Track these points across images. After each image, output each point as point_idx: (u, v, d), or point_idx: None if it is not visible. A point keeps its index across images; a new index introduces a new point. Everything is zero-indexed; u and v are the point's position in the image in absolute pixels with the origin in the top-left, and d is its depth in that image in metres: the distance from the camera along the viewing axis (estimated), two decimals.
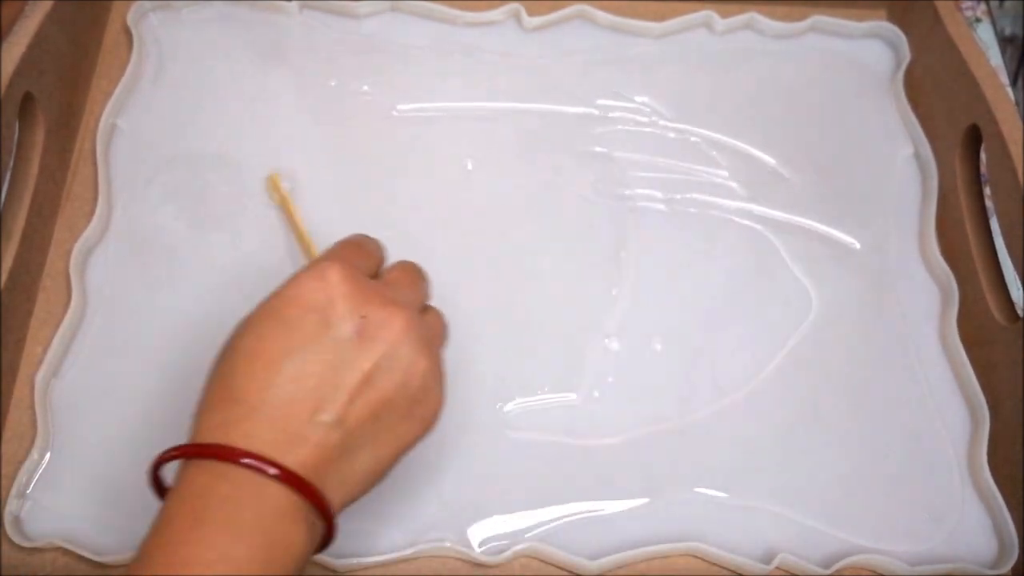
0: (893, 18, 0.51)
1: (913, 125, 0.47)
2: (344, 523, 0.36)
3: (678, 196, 0.45)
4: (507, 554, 0.36)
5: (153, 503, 0.36)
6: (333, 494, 0.27)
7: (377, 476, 0.29)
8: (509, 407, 0.39)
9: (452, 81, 0.47)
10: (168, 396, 0.38)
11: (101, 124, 0.44)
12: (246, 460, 0.25)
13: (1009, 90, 0.52)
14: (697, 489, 0.38)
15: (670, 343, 0.41)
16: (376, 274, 0.32)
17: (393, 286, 0.31)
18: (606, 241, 0.44)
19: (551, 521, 0.37)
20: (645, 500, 0.38)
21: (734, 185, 0.45)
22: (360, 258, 0.31)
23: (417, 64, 0.47)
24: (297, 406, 0.27)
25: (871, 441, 0.40)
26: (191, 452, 0.26)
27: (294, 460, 0.26)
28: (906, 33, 0.49)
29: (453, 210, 0.44)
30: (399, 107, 0.46)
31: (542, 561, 0.36)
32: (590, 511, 0.37)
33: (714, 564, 0.37)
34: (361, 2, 0.48)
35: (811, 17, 0.50)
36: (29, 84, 0.39)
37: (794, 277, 0.43)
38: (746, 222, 0.44)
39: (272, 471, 0.25)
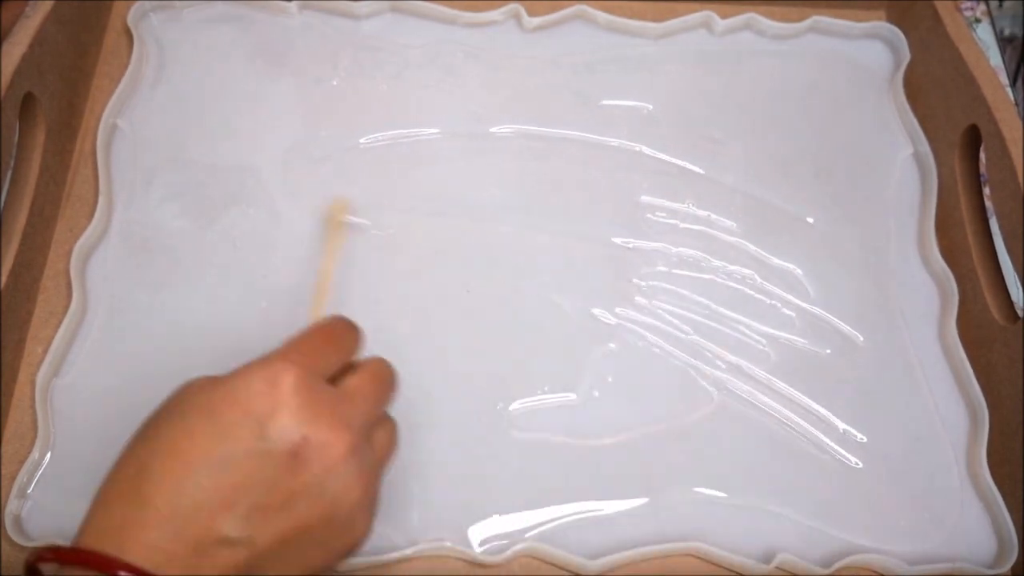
0: (892, 18, 0.51)
1: (913, 125, 0.47)
2: None
3: (678, 196, 0.45)
4: (507, 554, 0.36)
5: None
6: None
7: None
8: (509, 407, 0.39)
9: (452, 81, 0.47)
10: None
11: (102, 124, 0.44)
12: None
13: (1009, 90, 0.52)
14: (697, 489, 0.38)
15: (671, 343, 0.41)
16: (341, 371, 0.29)
17: (350, 399, 0.28)
18: (606, 240, 0.44)
19: (551, 521, 0.37)
20: (645, 500, 0.38)
21: (734, 184, 0.45)
22: (326, 355, 0.28)
23: (417, 64, 0.47)
24: (207, 517, 0.24)
25: (870, 441, 0.40)
26: (70, 558, 0.23)
27: None
28: (906, 33, 0.49)
29: (452, 209, 0.44)
30: (399, 108, 0.46)
31: (542, 561, 0.36)
32: (590, 511, 0.37)
33: (714, 564, 0.37)
34: (361, 2, 0.48)
35: (811, 17, 0.50)
36: (30, 84, 0.39)
37: (794, 277, 0.43)
38: (746, 222, 0.44)
39: None
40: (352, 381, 0.29)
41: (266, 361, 0.27)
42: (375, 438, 0.29)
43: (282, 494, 0.25)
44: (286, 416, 0.25)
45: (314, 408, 0.26)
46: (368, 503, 0.28)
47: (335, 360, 0.29)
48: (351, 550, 0.28)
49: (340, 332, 0.30)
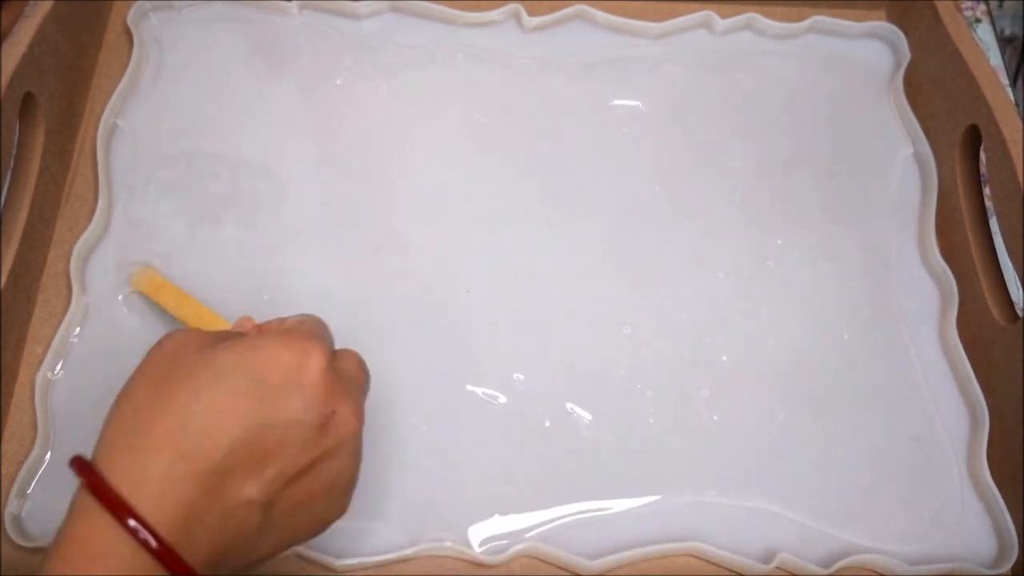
0: (893, 18, 0.51)
1: (913, 125, 0.47)
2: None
3: (679, 196, 0.45)
4: (507, 554, 0.36)
5: None
6: (222, 568, 0.26)
7: (260, 560, 0.28)
8: (509, 407, 0.39)
9: (452, 81, 0.47)
10: None
11: (101, 124, 0.44)
12: (133, 526, 0.23)
13: (1009, 90, 0.52)
14: (697, 489, 0.38)
15: (671, 343, 0.41)
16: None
17: (348, 380, 0.29)
18: (607, 240, 0.44)
19: (551, 521, 0.37)
20: (646, 500, 0.38)
21: (734, 184, 0.45)
22: (327, 340, 0.30)
23: (417, 64, 0.47)
24: (237, 478, 0.25)
25: (871, 441, 0.40)
26: (93, 487, 0.24)
27: (207, 536, 0.25)
28: (906, 33, 0.49)
29: (452, 210, 0.44)
30: (399, 107, 0.46)
31: (542, 561, 0.36)
32: (590, 511, 0.37)
33: (714, 564, 0.37)
34: (361, 2, 0.48)
35: (811, 17, 0.50)
36: (30, 84, 0.39)
37: (794, 277, 0.43)
38: (746, 221, 0.44)
39: (153, 546, 0.23)
40: (344, 363, 0.30)
41: (294, 337, 0.28)
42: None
43: (305, 463, 0.27)
44: (319, 390, 0.27)
45: (338, 386, 0.28)
46: (354, 482, 0.29)
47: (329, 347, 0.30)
48: (326, 527, 0.29)
49: (324, 324, 0.31)
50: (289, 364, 0.27)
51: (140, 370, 0.27)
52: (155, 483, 0.24)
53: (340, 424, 0.28)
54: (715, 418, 0.40)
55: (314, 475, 0.27)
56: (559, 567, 0.36)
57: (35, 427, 0.37)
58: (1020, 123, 0.40)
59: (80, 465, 0.25)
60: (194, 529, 0.24)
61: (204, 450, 0.25)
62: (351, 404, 0.28)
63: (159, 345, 0.28)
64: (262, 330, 0.30)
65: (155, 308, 0.40)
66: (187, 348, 0.27)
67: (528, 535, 0.37)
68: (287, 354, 0.27)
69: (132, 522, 0.23)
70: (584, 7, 0.49)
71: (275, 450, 0.26)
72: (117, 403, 0.27)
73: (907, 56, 0.48)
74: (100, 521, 0.24)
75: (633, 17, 0.49)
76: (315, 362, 0.27)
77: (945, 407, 0.41)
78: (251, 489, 0.25)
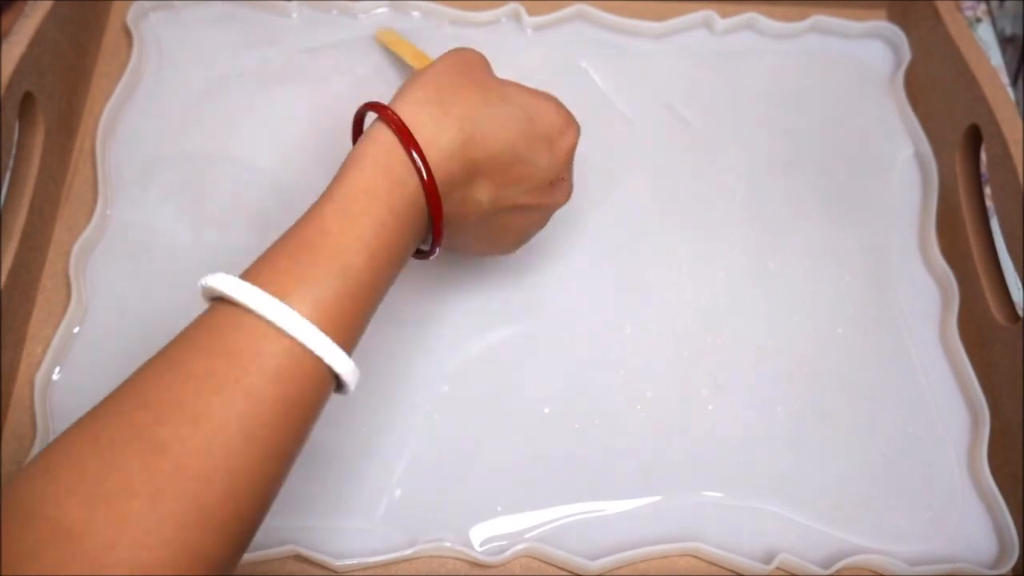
0: (893, 18, 0.51)
1: (913, 125, 0.47)
2: (344, 523, 0.37)
3: (679, 196, 0.45)
4: (507, 554, 0.36)
5: None
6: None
7: (456, 246, 0.37)
8: (509, 408, 0.39)
9: None
10: None
11: (101, 124, 0.44)
12: (415, 155, 0.30)
13: (1009, 90, 0.52)
14: (697, 489, 0.38)
15: (671, 343, 0.41)
16: None
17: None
18: (607, 240, 0.44)
19: (551, 521, 0.37)
20: (646, 500, 0.38)
21: (734, 184, 0.45)
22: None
23: None
24: (483, 181, 0.32)
25: (871, 441, 0.40)
26: (390, 120, 0.30)
27: (445, 205, 0.31)
28: (906, 33, 0.49)
29: None
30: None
31: (542, 561, 0.36)
32: (590, 511, 0.37)
33: (714, 564, 0.37)
34: (361, 1, 0.48)
35: (811, 17, 0.50)
36: (29, 84, 0.39)
37: (794, 277, 0.43)
38: (746, 221, 0.44)
39: (424, 177, 0.30)
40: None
41: (565, 108, 0.35)
42: None
43: (525, 202, 0.34)
44: (565, 156, 0.35)
45: (571, 165, 0.36)
46: (527, 240, 0.38)
47: None
48: (494, 253, 0.40)
49: None
50: (554, 124, 0.34)
51: (443, 60, 0.33)
52: (439, 147, 0.30)
53: (561, 191, 0.36)
54: (715, 418, 0.40)
55: (523, 214, 0.35)
56: (559, 567, 0.36)
57: (34, 427, 0.37)
58: (1021, 123, 0.40)
59: (383, 107, 0.31)
60: (443, 192, 0.31)
61: (478, 144, 0.31)
62: (569, 179, 0.36)
63: (457, 51, 0.34)
64: None
65: (154, 309, 0.40)
66: (482, 64, 0.34)
67: (528, 535, 0.37)
68: (556, 116, 0.34)
69: (415, 154, 0.30)
70: (584, 7, 0.49)
71: (516, 179, 0.33)
72: (422, 76, 0.32)
73: (907, 56, 0.48)
74: (392, 148, 0.30)
75: (633, 17, 0.49)
76: (572, 134, 0.35)
77: (945, 407, 0.40)
78: (485, 195, 0.33)
